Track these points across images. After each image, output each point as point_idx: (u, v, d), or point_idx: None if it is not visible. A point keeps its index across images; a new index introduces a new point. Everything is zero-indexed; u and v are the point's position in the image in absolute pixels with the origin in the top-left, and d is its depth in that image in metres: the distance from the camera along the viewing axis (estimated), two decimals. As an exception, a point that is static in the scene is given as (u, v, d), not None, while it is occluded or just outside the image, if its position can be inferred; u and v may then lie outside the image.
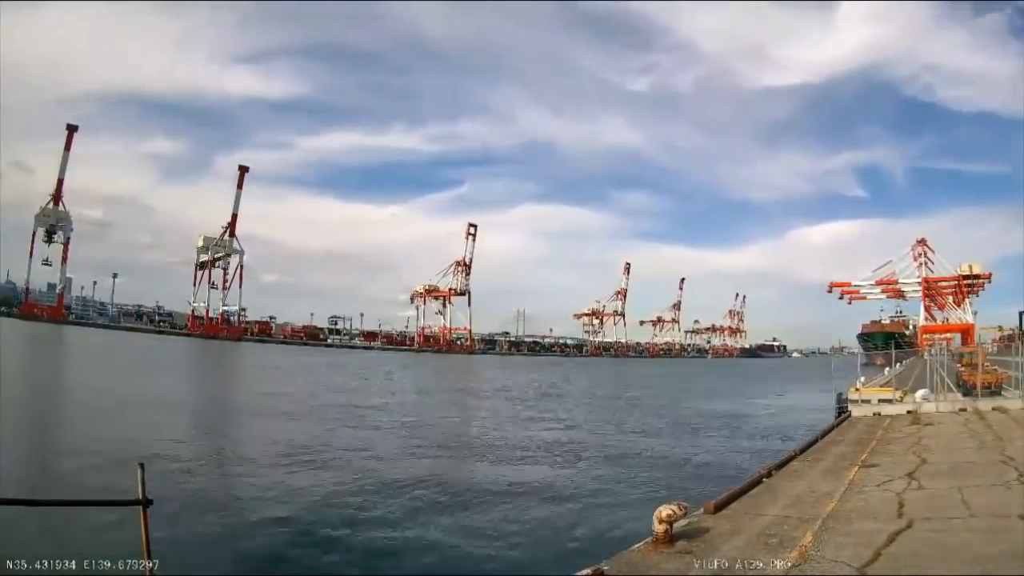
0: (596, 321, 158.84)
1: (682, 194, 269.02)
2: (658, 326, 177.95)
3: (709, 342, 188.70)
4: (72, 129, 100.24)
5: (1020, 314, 75.64)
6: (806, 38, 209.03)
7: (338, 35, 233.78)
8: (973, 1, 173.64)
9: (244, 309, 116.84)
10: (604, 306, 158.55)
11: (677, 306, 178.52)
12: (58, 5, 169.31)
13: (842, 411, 16.64)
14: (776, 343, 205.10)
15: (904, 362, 33.36)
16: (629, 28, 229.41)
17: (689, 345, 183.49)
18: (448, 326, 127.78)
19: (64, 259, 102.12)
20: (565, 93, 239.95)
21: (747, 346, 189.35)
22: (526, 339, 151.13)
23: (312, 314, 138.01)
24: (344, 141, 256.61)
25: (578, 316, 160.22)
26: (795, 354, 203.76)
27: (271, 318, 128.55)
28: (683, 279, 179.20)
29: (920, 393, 16.10)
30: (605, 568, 4.70)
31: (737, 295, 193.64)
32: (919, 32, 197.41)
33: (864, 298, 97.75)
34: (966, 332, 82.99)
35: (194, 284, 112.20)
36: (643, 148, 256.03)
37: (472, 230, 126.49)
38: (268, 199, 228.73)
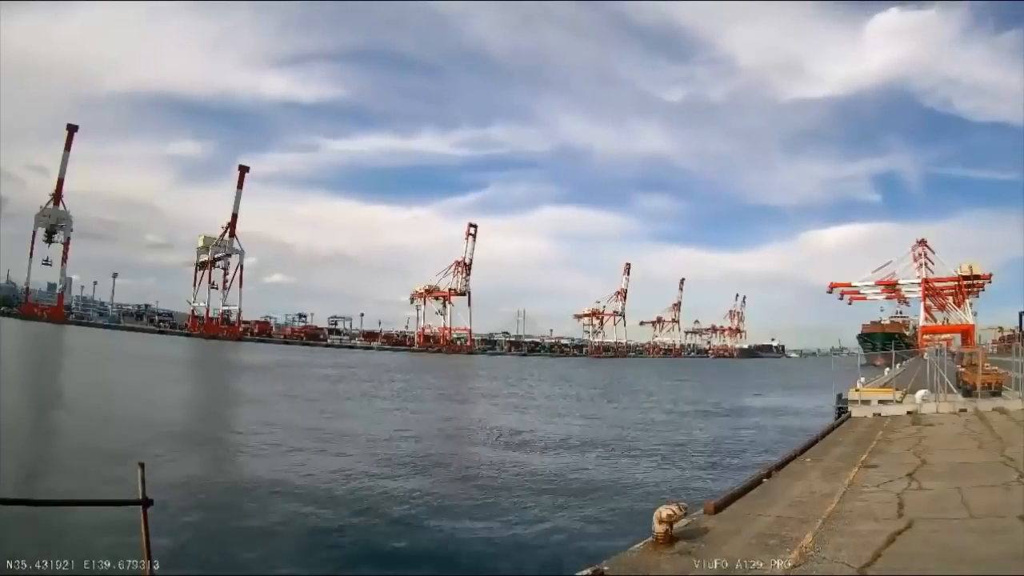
0: (596, 321, 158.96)
1: (701, 198, 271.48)
2: (658, 326, 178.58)
3: (709, 342, 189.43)
4: (72, 129, 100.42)
5: (1020, 315, 75.72)
6: (837, 54, 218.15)
7: (386, 40, 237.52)
8: None
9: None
10: (604, 306, 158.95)
11: (677, 306, 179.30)
12: (91, 5, 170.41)
13: (842, 411, 16.64)
14: (773, 343, 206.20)
15: (904, 363, 33.34)
16: (673, 41, 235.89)
17: (689, 345, 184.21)
18: (448, 326, 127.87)
19: (64, 259, 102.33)
20: (604, 101, 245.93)
21: (745, 346, 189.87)
22: (526, 340, 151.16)
23: (312, 314, 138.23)
24: (373, 144, 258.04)
25: (578, 316, 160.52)
26: (792, 354, 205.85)
27: (271, 317, 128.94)
28: (683, 279, 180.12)
29: (920, 394, 16.08)
30: (605, 568, 4.70)
31: (737, 295, 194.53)
32: (944, 48, 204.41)
33: (864, 298, 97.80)
34: (966, 333, 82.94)
35: (194, 284, 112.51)
36: (671, 154, 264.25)
37: (472, 230, 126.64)
38: (290, 201, 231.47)
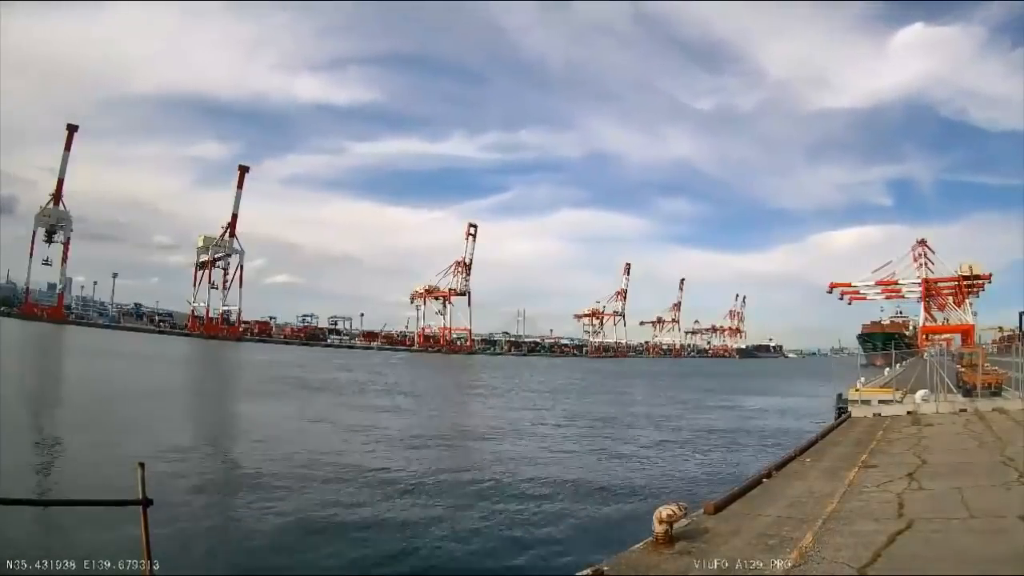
0: (596, 321, 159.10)
1: (719, 201, 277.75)
2: (658, 326, 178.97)
3: (709, 343, 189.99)
4: (72, 129, 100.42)
5: (1020, 315, 75.69)
6: (861, 66, 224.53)
7: (432, 45, 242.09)
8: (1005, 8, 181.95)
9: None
10: (604, 307, 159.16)
11: (677, 306, 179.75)
12: (126, 6, 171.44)
13: (842, 411, 16.65)
14: (772, 343, 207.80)
15: (904, 363, 33.34)
16: (711, 54, 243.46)
17: (689, 345, 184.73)
18: (448, 326, 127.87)
19: (64, 259, 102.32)
20: (638, 108, 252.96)
21: (743, 347, 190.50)
22: (526, 340, 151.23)
23: (316, 316, 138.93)
24: (399, 147, 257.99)
25: (579, 316, 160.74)
26: (791, 354, 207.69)
27: (271, 318, 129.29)
28: (683, 279, 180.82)
29: (920, 394, 16.08)
30: (605, 568, 4.70)
31: (737, 296, 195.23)
32: (963, 63, 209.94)
33: (864, 298, 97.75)
34: (966, 333, 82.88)
35: (194, 284, 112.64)
36: (696, 159, 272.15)
37: (472, 230, 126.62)
38: (311, 202, 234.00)
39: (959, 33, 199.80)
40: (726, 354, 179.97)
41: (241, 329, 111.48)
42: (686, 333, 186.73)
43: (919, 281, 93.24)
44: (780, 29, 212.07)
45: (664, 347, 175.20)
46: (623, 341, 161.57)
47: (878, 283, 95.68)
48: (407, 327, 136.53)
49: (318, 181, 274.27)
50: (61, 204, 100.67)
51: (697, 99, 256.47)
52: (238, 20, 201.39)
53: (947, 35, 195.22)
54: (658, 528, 5.31)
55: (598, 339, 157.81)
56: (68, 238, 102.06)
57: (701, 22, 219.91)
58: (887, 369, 30.19)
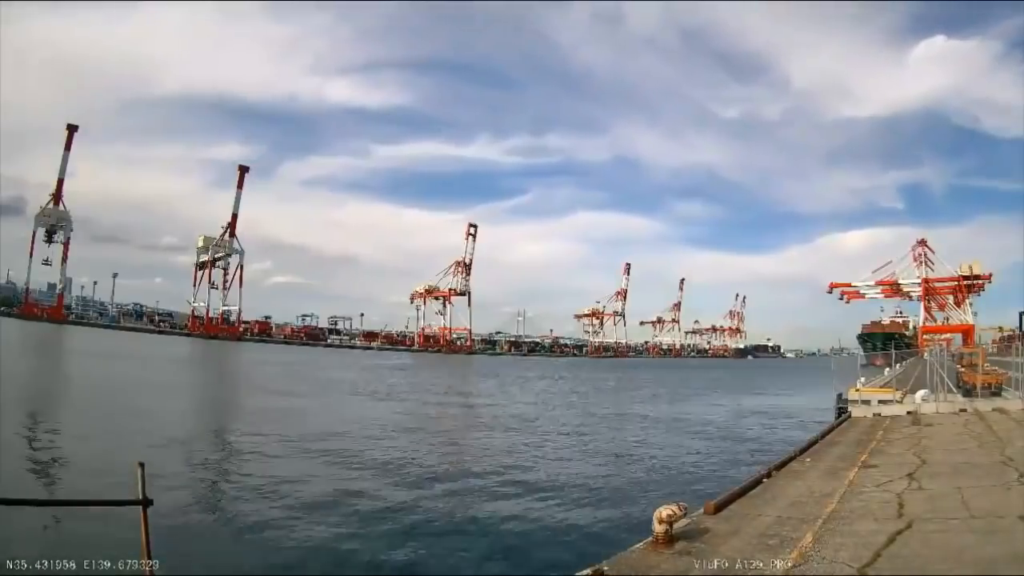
0: (596, 321, 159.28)
1: (735, 204, 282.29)
2: (658, 326, 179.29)
3: (709, 343, 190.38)
4: (72, 129, 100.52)
5: (1021, 315, 75.67)
6: (884, 78, 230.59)
7: (470, 50, 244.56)
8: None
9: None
10: (604, 307, 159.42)
11: (677, 306, 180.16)
12: (159, 5, 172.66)
13: (842, 411, 16.65)
14: (770, 343, 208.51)
15: (904, 363, 33.32)
16: (740, 64, 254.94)
17: (689, 346, 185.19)
18: (448, 326, 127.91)
19: (64, 259, 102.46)
20: (669, 115, 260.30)
21: (741, 347, 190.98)
22: (526, 340, 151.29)
23: (313, 314, 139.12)
24: (423, 149, 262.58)
25: (579, 316, 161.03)
26: (790, 355, 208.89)
27: (269, 317, 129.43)
28: (682, 280, 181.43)
29: (920, 394, 16.07)
30: (605, 568, 4.70)
31: (737, 295, 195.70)
32: (979, 74, 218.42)
33: (863, 298, 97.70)
34: (966, 332, 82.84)
35: (194, 284, 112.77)
36: (718, 165, 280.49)
37: (472, 230, 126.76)
38: (331, 204, 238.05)
39: (977, 46, 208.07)
40: (725, 354, 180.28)
41: (241, 329, 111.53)
42: (686, 333, 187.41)
43: (919, 281, 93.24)
44: (808, 41, 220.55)
45: (664, 347, 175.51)
46: (623, 341, 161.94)
47: (877, 283, 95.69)
48: (407, 327, 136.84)
49: (338, 183, 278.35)
50: (61, 204, 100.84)
51: (725, 107, 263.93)
52: (276, 21, 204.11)
53: (966, 48, 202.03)
54: (658, 528, 5.31)
55: (598, 339, 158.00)
56: (68, 238, 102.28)
57: (737, 33, 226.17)
58: (887, 369, 30.17)
